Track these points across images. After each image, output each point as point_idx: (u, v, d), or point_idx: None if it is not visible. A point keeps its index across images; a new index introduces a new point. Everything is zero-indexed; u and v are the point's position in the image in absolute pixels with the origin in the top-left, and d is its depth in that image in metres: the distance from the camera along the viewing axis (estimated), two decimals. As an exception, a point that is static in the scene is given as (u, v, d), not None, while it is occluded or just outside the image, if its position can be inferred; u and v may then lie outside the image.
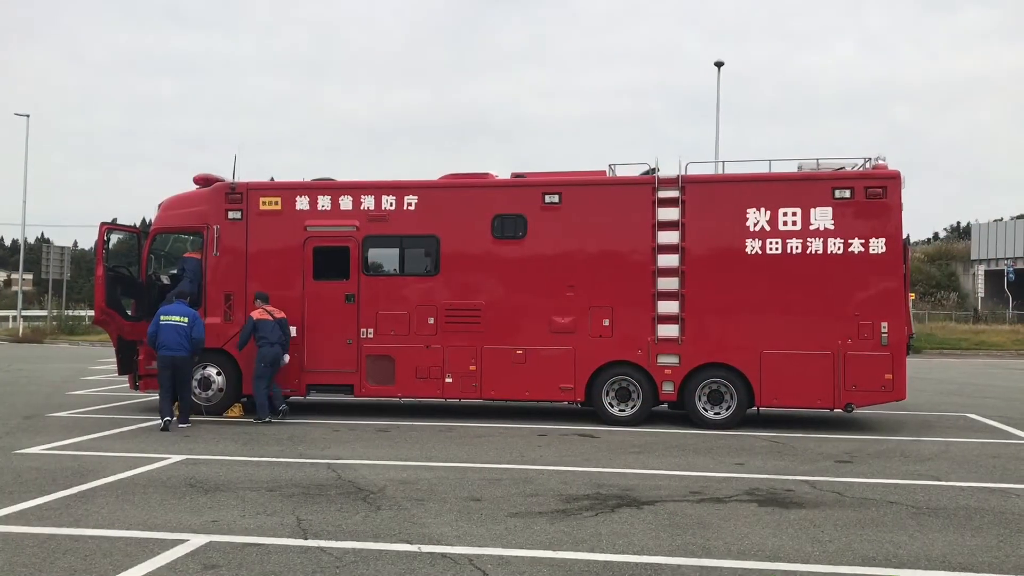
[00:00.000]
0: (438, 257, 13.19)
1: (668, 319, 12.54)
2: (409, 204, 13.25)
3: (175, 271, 14.35)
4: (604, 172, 13.29)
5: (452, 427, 12.47)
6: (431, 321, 13.10)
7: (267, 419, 12.69)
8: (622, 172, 13.35)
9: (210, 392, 13.60)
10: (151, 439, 11.31)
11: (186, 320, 12.30)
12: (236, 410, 13.38)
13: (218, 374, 13.60)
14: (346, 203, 13.38)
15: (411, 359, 13.10)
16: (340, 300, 13.29)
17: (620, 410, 12.76)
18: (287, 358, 13.06)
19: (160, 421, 12.20)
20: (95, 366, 24.35)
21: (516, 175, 13.53)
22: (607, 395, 12.77)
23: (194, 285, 13.70)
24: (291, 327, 13.28)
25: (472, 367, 12.94)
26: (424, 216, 13.19)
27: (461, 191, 13.25)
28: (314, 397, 14.38)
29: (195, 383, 13.57)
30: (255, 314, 12.91)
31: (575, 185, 12.95)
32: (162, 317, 12.33)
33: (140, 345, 13.85)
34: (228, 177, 14.00)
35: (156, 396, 14.51)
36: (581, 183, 12.98)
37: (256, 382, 12.87)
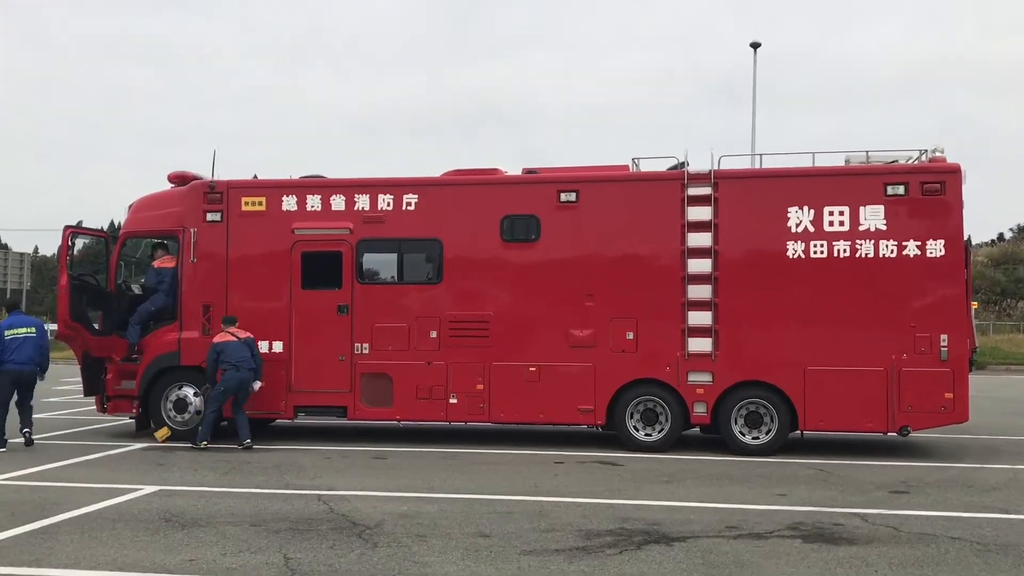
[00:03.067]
0: (441, 263, 13.21)
1: (700, 332, 12.51)
2: (408, 204, 13.28)
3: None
4: (627, 167, 13.30)
5: (457, 454, 12.46)
6: (433, 335, 13.12)
7: (200, 444, 12.74)
8: (647, 167, 13.34)
9: (186, 415, 13.65)
10: (122, 468, 11.34)
11: (34, 330, 12.79)
12: (163, 432, 13.37)
13: (195, 395, 13.66)
14: (338, 203, 13.43)
15: (411, 377, 13.11)
16: (332, 311, 13.33)
17: (646, 434, 12.75)
18: (258, 384, 13.06)
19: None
20: (59, 386, 24.48)
21: (528, 171, 13.56)
22: (631, 417, 12.76)
23: (168, 297, 13.76)
24: (276, 342, 13.34)
25: (479, 386, 12.95)
26: (425, 217, 13.22)
27: (466, 189, 13.28)
28: (303, 420, 14.39)
29: (169, 405, 13.63)
30: (217, 338, 12.98)
31: (594, 182, 12.96)
32: (7, 332, 12.71)
33: (109, 363, 13.94)
34: (206, 175, 14.08)
35: (128, 420, 14.57)
36: (601, 179, 13.00)
37: (209, 403, 12.98)
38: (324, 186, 13.63)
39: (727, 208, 12.54)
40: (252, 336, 13.05)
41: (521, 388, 12.85)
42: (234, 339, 12.89)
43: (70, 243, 13.84)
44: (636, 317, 12.66)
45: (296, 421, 14.13)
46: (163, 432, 13.43)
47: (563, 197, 12.91)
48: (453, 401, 13.02)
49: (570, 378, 12.76)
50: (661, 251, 12.67)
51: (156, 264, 14.05)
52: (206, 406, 13.02)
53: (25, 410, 13.01)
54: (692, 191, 12.62)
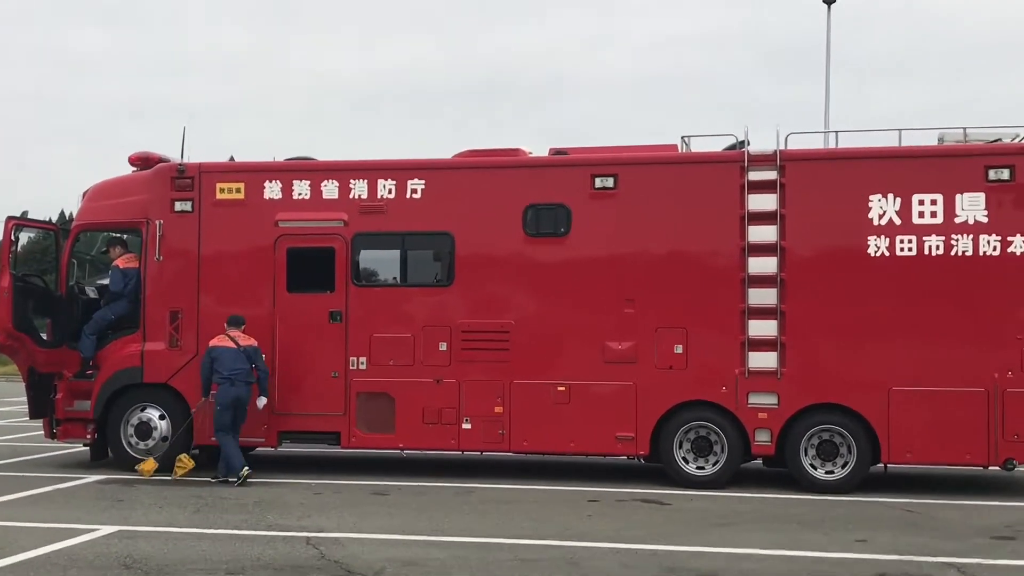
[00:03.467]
0: (452, 261, 13.23)
1: (762, 345, 12.48)
2: (414, 191, 13.31)
3: (106, 280, 14.48)
4: (675, 147, 13.28)
5: (472, 489, 12.46)
6: (443, 347, 13.13)
7: (227, 478, 12.72)
8: (699, 147, 13.33)
9: (150, 442, 13.73)
10: (75, 504, 11.40)
11: None
12: (183, 463, 13.28)
13: (161, 418, 13.75)
14: (330, 190, 13.47)
15: (416, 398, 13.13)
16: (323, 319, 13.38)
17: (698, 467, 12.71)
18: (263, 400, 13.11)
19: None
20: (-1, 407, 24.61)
21: (556, 151, 13.57)
22: (680, 447, 12.73)
23: (133, 303, 13.84)
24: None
25: (498, 408, 12.95)
26: (434, 207, 13.24)
27: (482, 174, 13.30)
28: (288, 448, 14.40)
29: (130, 430, 13.73)
30: (213, 341, 13.04)
31: (636, 165, 12.94)
32: None
33: (59, 380, 14.03)
34: (174, 156, 14.11)
35: (81, 447, 14.65)
36: (644, 162, 12.97)
37: (217, 433, 12.94)
38: (314, 170, 13.67)
39: (796, 196, 12.48)
40: (256, 344, 13.02)
41: (547, 411, 12.83)
42: (233, 346, 12.90)
43: (13, 237, 13.89)
44: (686, 327, 12.62)
45: (280, 449, 14.13)
46: (148, 465, 13.32)
47: (598, 183, 12.89)
48: (466, 426, 13.01)
49: (606, 400, 12.74)
50: (716, 248, 12.64)
51: (120, 263, 14.11)
52: (217, 436, 12.92)
53: None
54: (753, 176, 12.57)
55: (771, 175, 12.54)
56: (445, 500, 11.72)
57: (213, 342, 13.01)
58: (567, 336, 12.91)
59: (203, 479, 13.04)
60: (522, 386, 12.93)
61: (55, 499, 11.76)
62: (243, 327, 13.13)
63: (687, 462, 12.72)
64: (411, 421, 13.13)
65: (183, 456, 13.33)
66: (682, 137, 13.27)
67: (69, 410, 13.96)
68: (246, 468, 12.74)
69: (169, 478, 13.07)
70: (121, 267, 14.07)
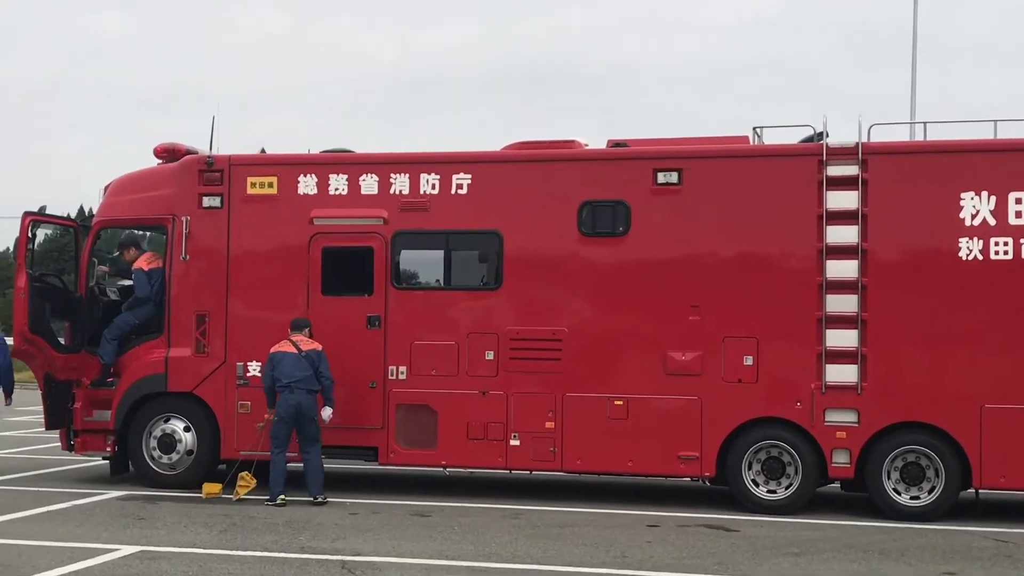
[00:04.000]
0: (500, 263, 13.32)
1: (841, 356, 12.44)
2: (459, 186, 13.41)
3: (129, 281, 14.70)
4: (746, 138, 13.27)
5: (520, 512, 12.52)
6: (490, 356, 13.23)
7: (277, 501, 12.73)
8: (772, 138, 13.30)
9: (174, 456, 13.95)
10: (94, 522, 11.61)
11: None
12: (246, 481, 13.21)
13: (186, 430, 13.96)
14: (369, 184, 13.62)
15: (461, 411, 13.23)
16: (360, 324, 13.52)
17: (769, 490, 12.70)
18: (329, 412, 13.02)
19: None
20: (13, 416, 25.02)
21: (615, 143, 13.61)
22: (749, 468, 12.72)
23: (156, 306, 14.07)
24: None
25: (549, 424, 13.02)
26: (481, 203, 13.35)
27: (534, 167, 13.38)
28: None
29: (153, 442, 13.96)
30: (274, 347, 13.05)
31: (703, 158, 12.96)
32: None
33: (77, 388, 14.30)
34: (203, 148, 14.35)
35: (100, 460, 14.92)
36: (711, 155, 12.99)
37: (272, 448, 12.92)
38: (352, 163, 13.81)
39: (879, 193, 12.42)
40: (320, 348, 13.00)
41: (603, 427, 12.87)
42: (294, 351, 12.93)
43: (30, 234, 14.17)
44: (756, 336, 12.62)
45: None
46: (213, 488, 13.24)
47: (661, 178, 12.91)
48: (515, 443, 13.10)
49: (668, 415, 12.76)
50: (791, 249, 12.63)
51: (144, 265, 14.30)
52: (272, 451, 12.95)
53: None
54: (833, 170, 12.55)
55: (852, 170, 12.50)
56: (491, 523, 11.79)
57: (274, 348, 13.04)
58: (625, 345, 12.95)
59: (227, 495, 13.17)
60: (576, 399, 12.97)
61: (72, 516, 11.97)
62: (307, 330, 13.15)
63: (757, 485, 12.70)
64: (455, 436, 13.22)
65: (245, 474, 13.25)
66: (754, 128, 13.27)
67: (88, 420, 14.19)
68: (282, 496, 12.74)
69: (195, 494, 13.26)
70: (145, 269, 14.26)
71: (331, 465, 14.83)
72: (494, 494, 13.71)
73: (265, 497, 12.84)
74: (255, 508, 12.51)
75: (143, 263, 14.35)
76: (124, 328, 14.18)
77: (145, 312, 14.16)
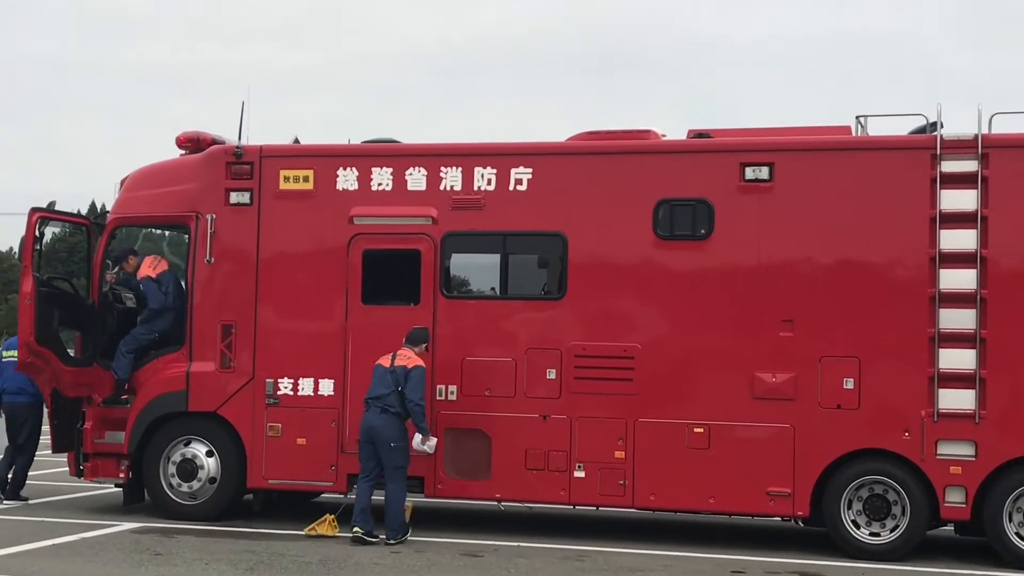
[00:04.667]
0: (564, 269, 13.30)
1: (957, 380, 12.32)
2: (518, 181, 13.42)
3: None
4: (847, 129, 13.20)
5: (585, 553, 12.46)
6: (552, 375, 13.20)
7: (393, 541, 12.63)
8: (878, 129, 13.20)
9: (195, 484, 14.02)
10: (105, 558, 11.66)
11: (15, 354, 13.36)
12: (326, 526, 13.14)
13: (209, 455, 14.03)
14: (417, 179, 13.66)
15: (518, 437, 13.21)
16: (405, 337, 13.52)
17: (871, 533, 12.56)
18: (420, 440, 12.76)
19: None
20: (14, 437, 25.31)
21: (696, 134, 13.59)
22: (849, 507, 12.59)
23: (176, 314, 14.17)
24: (325, 380, 13.64)
25: (619, 453, 12.97)
26: (542, 201, 13.34)
27: (604, 161, 13.37)
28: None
29: (171, 468, 14.04)
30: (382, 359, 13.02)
31: (797, 151, 12.89)
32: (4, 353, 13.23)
33: (87, 406, 14.42)
34: (231, 137, 14.48)
35: (112, 488, 15.02)
36: (807, 147, 12.92)
37: (360, 478, 12.92)
38: (397, 155, 13.87)
39: (1001, 192, 12.31)
40: (414, 365, 12.78)
41: (681, 458, 12.80)
42: (386, 363, 12.87)
43: (38, 232, 14.28)
44: (858, 356, 12.52)
45: (351, 496, 14.27)
46: (325, 527, 13.08)
47: (749, 174, 12.85)
48: (580, 474, 13.04)
49: (756, 446, 12.69)
50: (898, 256, 12.55)
51: (150, 272, 14.41)
52: (358, 478, 12.93)
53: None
54: (948, 166, 12.46)
55: (970, 166, 12.40)
56: (551, 565, 11.73)
57: (379, 360, 13.06)
58: (707, 364, 12.89)
59: (267, 532, 13.23)
60: (650, 426, 12.91)
61: (81, 551, 12.04)
62: (423, 346, 13.03)
63: (858, 526, 12.57)
64: (511, 466, 13.20)
65: (331, 518, 13.15)
66: (857, 117, 13.18)
67: (99, 443, 14.31)
68: (356, 529, 12.62)
69: (217, 527, 13.32)
70: (153, 276, 14.36)
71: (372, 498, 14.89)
72: (555, 532, 13.66)
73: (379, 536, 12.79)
74: (285, 544, 12.54)
75: (148, 270, 14.45)
76: (142, 341, 14.32)
77: (164, 323, 14.29)
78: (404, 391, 12.65)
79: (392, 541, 12.61)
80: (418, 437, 12.78)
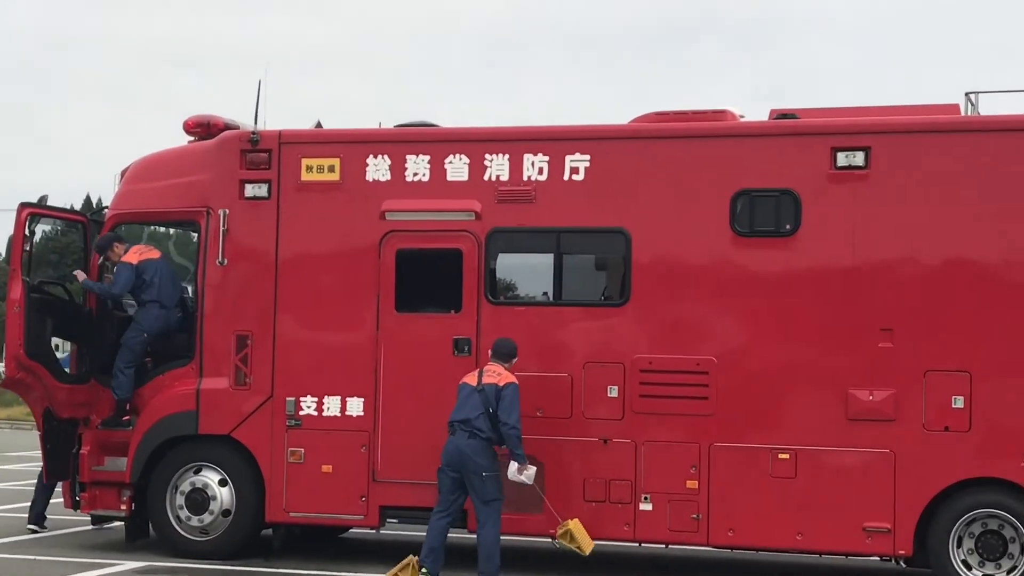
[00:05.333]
0: (627, 271, 13.25)
1: (1085, 399, 12.23)
2: (574, 170, 13.36)
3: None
4: (956, 107, 13.15)
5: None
6: (614, 392, 13.13)
7: (429, 574, 12.61)
8: (992, 108, 13.23)
9: (206, 517, 13.97)
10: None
11: None
12: (410, 571, 12.81)
13: (222, 484, 14.00)
14: (458, 168, 13.63)
15: (575, 464, 13.17)
16: (445, 349, 13.54)
17: (985, 575, 12.44)
18: (518, 470, 12.55)
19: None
20: (2, 464, 25.51)
21: (780, 115, 13.53)
22: (959, 545, 12.47)
23: (163, 311, 14.11)
24: (353, 399, 13.60)
25: (691, 483, 12.89)
26: (602, 193, 13.30)
27: (673, 146, 13.34)
28: (394, 530, 14.48)
29: (180, 500, 14.02)
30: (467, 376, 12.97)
31: (897, 133, 12.82)
32: None
33: (84, 429, 14.41)
34: (245, 121, 14.46)
35: (115, 523, 15.00)
36: (909, 129, 12.84)
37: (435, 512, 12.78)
38: (435, 140, 13.87)
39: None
40: (506, 383, 12.60)
41: (764, 489, 12.73)
42: (472, 381, 12.78)
43: (28, 231, 14.32)
44: (969, 370, 12.41)
45: (383, 532, 14.24)
46: (409, 568, 12.69)
47: (842, 159, 12.77)
48: (646, 507, 12.97)
49: (850, 474, 12.60)
50: (1017, 255, 12.45)
51: (134, 259, 14.20)
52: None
53: None
54: (1075, 149, 12.41)
55: (1103, 147, 12.35)
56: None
57: (464, 377, 12.98)
58: (793, 380, 12.84)
59: (274, 569, 13.20)
60: (727, 451, 12.84)
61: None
62: (513, 361, 12.89)
63: (969, 567, 12.43)
64: (567, 497, 13.12)
65: (413, 559, 12.80)
66: (966, 94, 13.17)
67: (98, 470, 14.29)
68: (425, 570, 12.54)
69: (231, 567, 13.30)
70: (133, 263, 14.14)
71: (406, 533, 14.81)
72: (618, 573, 13.43)
73: None
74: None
75: (132, 256, 14.24)
76: (136, 348, 14.20)
77: (152, 320, 14.14)
78: (496, 413, 12.52)
79: None
80: (513, 466, 12.59)
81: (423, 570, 12.53)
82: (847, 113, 13.43)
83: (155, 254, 14.38)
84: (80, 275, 14.56)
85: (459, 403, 12.67)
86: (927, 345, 12.48)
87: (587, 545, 12.74)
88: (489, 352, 13.02)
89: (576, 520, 12.81)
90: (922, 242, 12.58)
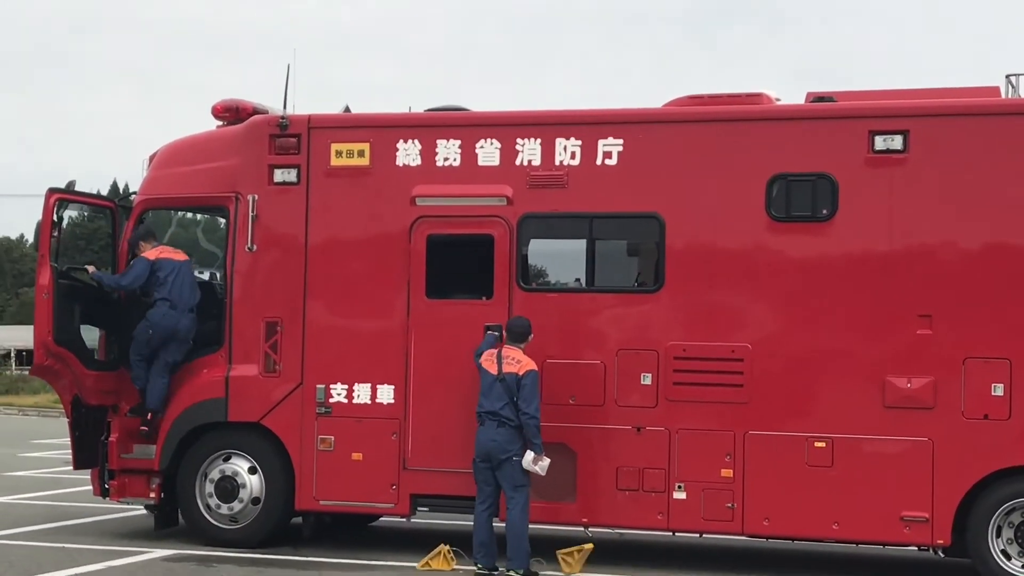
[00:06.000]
0: (661, 256, 13.21)
1: None
2: (607, 155, 13.32)
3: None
4: (996, 90, 13.07)
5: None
6: (647, 380, 13.10)
7: (483, 568, 12.67)
8: (1034, 91, 13.05)
9: (236, 505, 13.98)
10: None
11: None
12: (441, 560, 13.00)
13: (251, 472, 14.00)
14: (489, 153, 13.59)
15: (608, 453, 13.14)
16: (476, 336, 13.40)
17: (1025, 565, 12.48)
18: (530, 458, 12.55)
19: None
20: (32, 452, 25.66)
21: (817, 98, 13.47)
22: (998, 535, 12.40)
23: (158, 308, 13.97)
24: (384, 387, 13.58)
25: (726, 471, 12.86)
26: (635, 178, 13.25)
27: (707, 130, 13.31)
28: (424, 518, 14.45)
29: (210, 488, 14.02)
30: (484, 355, 12.95)
31: (937, 116, 12.76)
32: None
33: (112, 416, 14.41)
34: (274, 106, 14.44)
35: (141, 510, 15.04)
36: (949, 112, 12.78)
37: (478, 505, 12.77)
38: (466, 124, 13.84)
39: None
40: (527, 370, 12.64)
41: (800, 477, 12.70)
42: (493, 369, 12.72)
43: (56, 217, 14.32)
44: (1009, 357, 12.34)
45: (414, 520, 14.20)
46: (440, 562, 12.92)
47: (879, 143, 12.69)
48: (680, 496, 12.94)
49: (888, 463, 12.56)
50: (1059, 239, 12.38)
51: (152, 255, 14.15)
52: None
53: None
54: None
55: None
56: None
57: (483, 357, 12.95)
58: (830, 367, 12.78)
59: (304, 557, 13.19)
60: (762, 439, 12.80)
61: (107, 580, 12.09)
62: (527, 341, 12.86)
63: (1008, 557, 12.37)
64: (599, 486, 13.13)
65: (446, 549, 13.03)
66: (1007, 76, 13.05)
67: (126, 458, 14.29)
68: (480, 565, 12.62)
69: (262, 555, 13.29)
70: (150, 258, 14.10)
71: (437, 521, 14.76)
72: (651, 563, 13.60)
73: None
74: (340, 574, 12.64)
75: (152, 252, 14.17)
76: (141, 340, 14.14)
77: (159, 316, 13.97)
78: (518, 403, 12.52)
79: (514, 573, 12.47)
80: (529, 455, 12.56)
81: (477, 566, 12.56)
82: (885, 96, 13.38)
83: (179, 255, 14.28)
84: (91, 269, 14.56)
85: (484, 391, 12.68)
86: (966, 332, 12.42)
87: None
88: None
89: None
90: (961, 227, 12.51)
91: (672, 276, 13.11)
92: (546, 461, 12.62)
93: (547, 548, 13.03)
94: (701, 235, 13.11)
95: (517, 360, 12.65)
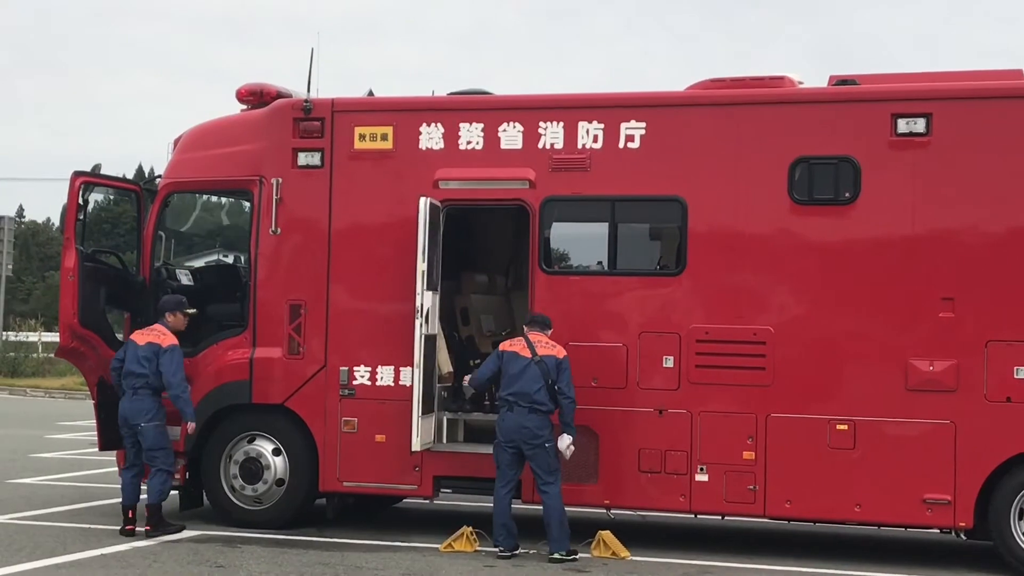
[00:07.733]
0: (683, 239, 13.22)
1: None
2: (630, 138, 13.34)
3: (207, 259, 14.84)
4: (1019, 73, 13.04)
5: (709, 568, 12.47)
6: (669, 362, 13.14)
7: (498, 552, 12.70)
8: (1057, 72, 12.98)
9: (260, 486, 14.10)
10: (160, 570, 11.79)
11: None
12: (464, 542, 13.04)
13: (276, 453, 14.11)
14: (511, 136, 13.63)
15: (630, 435, 13.17)
16: (498, 319, 13.46)
17: (1049, 550, 12.43)
18: (567, 441, 12.68)
19: None
20: (57, 434, 25.80)
21: (839, 81, 13.46)
22: (1020, 518, 12.40)
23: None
24: (406, 368, 13.51)
25: (748, 454, 12.89)
26: (658, 161, 13.27)
27: (730, 113, 13.27)
28: (447, 500, 14.53)
29: (234, 469, 14.16)
30: (505, 344, 13.06)
31: (960, 99, 12.73)
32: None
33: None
34: (298, 90, 14.52)
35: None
36: (972, 95, 12.75)
37: (496, 482, 12.82)
38: (489, 108, 13.88)
39: None
40: (563, 355, 12.74)
41: (822, 460, 12.71)
42: (526, 353, 12.71)
43: (82, 200, 14.47)
44: None
45: (437, 502, 14.28)
46: (463, 544, 12.96)
47: (903, 126, 12.68)
48: (702, 478, 12.98)
49: (910, 445, 12.56)
50: (1083, 225, 12.36)
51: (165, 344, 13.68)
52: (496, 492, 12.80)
53: None
54: None
55: None
56: (672, 583, 11.68)
57: (504, 344, 13.07)
58: (852, 350, 12.78)
59: (327, 538, 13.30)
60: (784, 422, 12.81)
61: (132, 561, 12.16)
62: (547, 329, 12.95)
63: (1032, 541, 12.44)
64: (621, 468, 13.18)
65: (469, 531, 13.08)
66: None
67: (154, 439, 14.47)
68: (501, 547, 12.65)
69: (286, 536, 13.41)
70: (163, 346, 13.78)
71: (460, 503, 14.82)
72: (672, 546, 13.62)
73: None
74: (362, 555, 12.60)
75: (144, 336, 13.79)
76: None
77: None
78: (558, 386, 12.59)
79: (558, 556, 12.50)
80: (567, 438, 12.66)
81: (498, 548, 12.63)
82: (908, 79, 13.35)
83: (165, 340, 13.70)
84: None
85: (512, 375, 12.64)
86: (989, 315, 12.42)
87: (621, 551, 12.83)
88: (524, 324, 13.11)
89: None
90: (984, 210, 12.50)
91: (694, 259, 13.14)
92: (573, 444, 12.77)
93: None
94: (723, 218, 13.11)
95: (552, 345, 12.74)
